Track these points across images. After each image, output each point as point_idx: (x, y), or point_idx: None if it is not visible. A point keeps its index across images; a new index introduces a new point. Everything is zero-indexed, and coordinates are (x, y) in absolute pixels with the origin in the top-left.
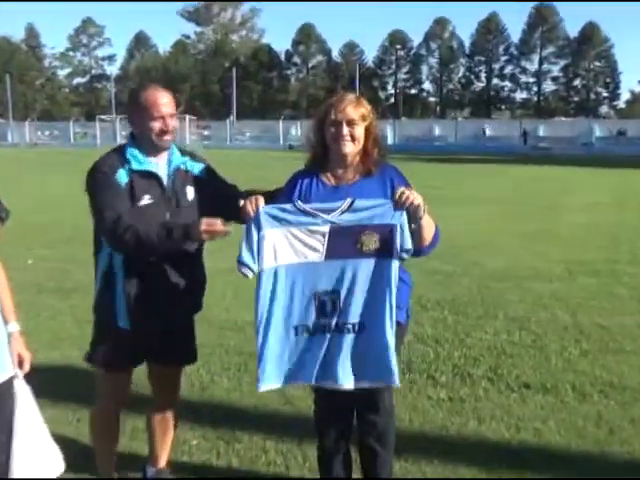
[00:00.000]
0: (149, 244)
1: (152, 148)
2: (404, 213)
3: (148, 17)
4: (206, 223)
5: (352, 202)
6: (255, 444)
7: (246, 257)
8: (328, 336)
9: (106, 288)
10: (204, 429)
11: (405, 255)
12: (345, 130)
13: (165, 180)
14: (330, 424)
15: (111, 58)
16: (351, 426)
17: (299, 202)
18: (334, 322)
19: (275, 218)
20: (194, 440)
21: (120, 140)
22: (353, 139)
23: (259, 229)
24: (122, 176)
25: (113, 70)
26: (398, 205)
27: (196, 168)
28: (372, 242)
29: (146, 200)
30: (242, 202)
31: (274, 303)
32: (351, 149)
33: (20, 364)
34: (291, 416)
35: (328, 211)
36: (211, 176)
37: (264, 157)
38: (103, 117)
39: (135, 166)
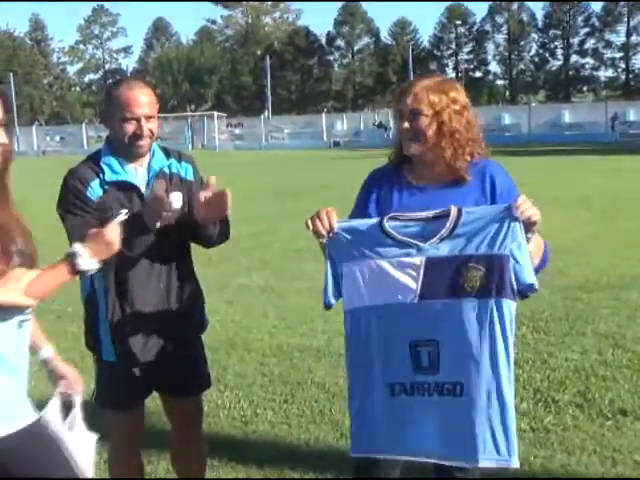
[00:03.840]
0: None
1: (127, 153)
2: (520, 234)
3: (167, 2)
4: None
5: (453, 225)
6: None
7: (331, 298)
8: (427, 398)
9: (88, 317)
10: (248, 468)
11: (528, 292)
12: (405, 124)
13: (144, 189)
14: None
15: (127, 50)
16: None
17: (387, 221)
18: (432, 380)
19: (356, 245)
20: None
21: None
22: (417, 136)
23: (337, 260)
24: (95, 190)
25: (130, 64)
26: (514, 222)
27: (183, 170)
28: (478, 277)
29: (123, 215)
30: (202, 196)
31: (367, 355)
32: (415, 149)
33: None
34: (346, 451)
35: (424, 237)
36: (195, 179)
37: (306, 158)
38: None
39: (109, 177)
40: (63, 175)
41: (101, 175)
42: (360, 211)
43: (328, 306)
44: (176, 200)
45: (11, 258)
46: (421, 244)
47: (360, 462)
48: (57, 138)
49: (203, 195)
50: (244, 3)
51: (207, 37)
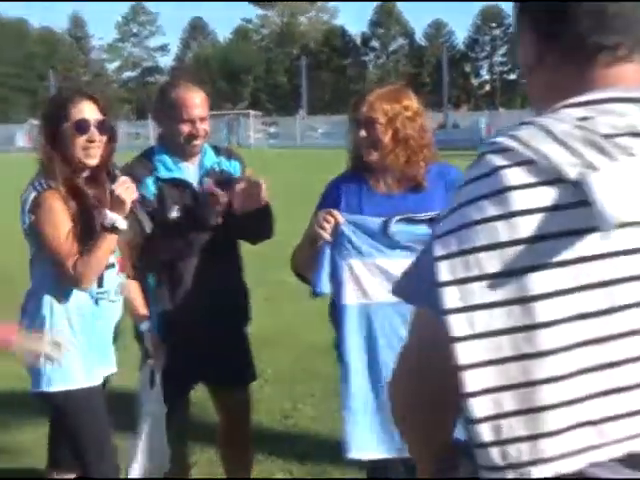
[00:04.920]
0: None
1: (181, 152)
2: None
3: (205, 1)
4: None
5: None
6: None
7: (323, 287)
8: None
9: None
10: (289, 464)
11: None
12: (362, 132)
13: (197, 186)
14: None
15: (164, 48)
16: None
17: (394, 224)
18: None
19: (359, 244)
20: (279, 473)
21: None
22: (374, 144)
23: (342, 257)
24: (149, 187)
25: (167, 62)
26: None
27: (232, 167)
28: None
29: (175, 212)
30: (238, 187)
31: (365, 350)
32: (374, 156)
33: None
34: None
35: (423, 239)
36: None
37: (341, 157)
38: None
39: (163, 174)
40: None
41: (155, 172)
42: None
43: (318, 294)
44: (225, 197)
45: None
46: (420, 247)
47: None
48: None
49: (239, 186)
50: (280, 2)
51: (243, 36)
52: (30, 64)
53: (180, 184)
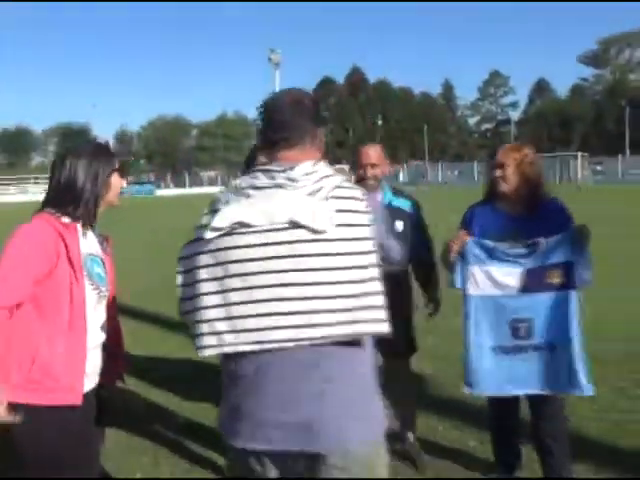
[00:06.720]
0: None
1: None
2: (582, 248)
3: (548, 65)
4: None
5: (538, 246)
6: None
7: (458, 282)
8: (523, 355)
9: None
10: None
11: (586, 285)
12: (497, 172)
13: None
14: (504, 421)
15: (514, 105)
16: (519, 421)
17: (500, 246)
18: (527, 343)
19: (478, 256)
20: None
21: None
22: (505, 180)
23: (467, 264)
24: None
25: (515, 115)
26: (576, 241)
27: (404, 204)
28: (556, 277)
29: None
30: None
31: (478, 325)
32: (504, 189)
33: None
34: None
35: (522, 256)
36: (415, 212)
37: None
38: None
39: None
40: (467, 202)
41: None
42: (466, 228)
43: (455, 286)
44: (399, 226)
45: None
46: (521, 260)
47: (493, 400)
48: (456, 172)
49: None
50: (612, 63)
51: (579, 92)
52: (411, 120)
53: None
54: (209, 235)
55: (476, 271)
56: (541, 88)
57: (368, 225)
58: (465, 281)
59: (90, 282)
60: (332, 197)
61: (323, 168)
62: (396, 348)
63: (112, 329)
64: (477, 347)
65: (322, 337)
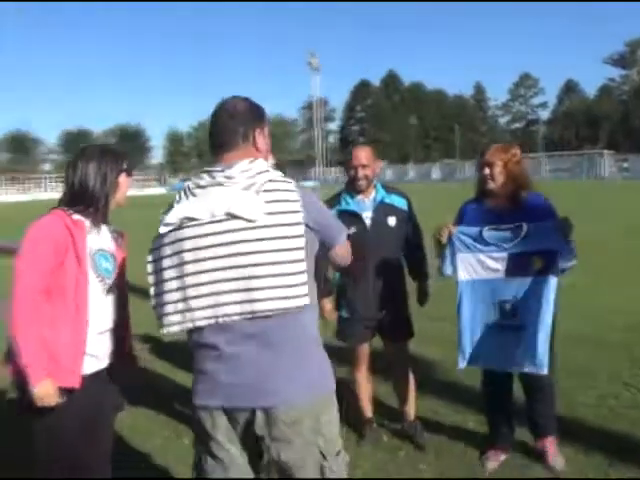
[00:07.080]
0: None
1: (354, 190)
2: (565, 238)
3: (576, 67)
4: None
5: (524, 235)
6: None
7: (448, 271)
8: (507, 333)
9: (339, 291)
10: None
11: (566, 271)
12: (485, 171)
13: (370, 214)
14: (495, 393)
15: (543, 105)
16: (511, 392)
17: (486, 231)
18: (510, 323)
19: (466, 244)
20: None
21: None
22: (492, 178)
23: (455, 252)
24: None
25: (545, 115)
26: (560, 231)
27: (397, 201)
28: (539, 263)
29: (350, 230)
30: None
31: (470, 306)
32: (491, 186)
33: None
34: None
35: (506, 241)
36: (407, 208)
37: None
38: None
39: (343, 206)
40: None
41: (337, 206)
42: (458, 223)
43: (444, 274)
44: (391, 221)
45: None
46: (505, 245)
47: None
48: None
49: None
50: (639, 64)
51: (607, 92)
52: (444, 121)
53: (353, 214)
54: (163, 230)
55: (466, 257)
56: (569, 89)
57: (298, 212)
58: (455, 268)
59: (96, 274)
60: (264, 190)
61: (258, 165)
62: (393, 333)
63: (119, 316)
64: (468, 327)
65: (261, 311)
